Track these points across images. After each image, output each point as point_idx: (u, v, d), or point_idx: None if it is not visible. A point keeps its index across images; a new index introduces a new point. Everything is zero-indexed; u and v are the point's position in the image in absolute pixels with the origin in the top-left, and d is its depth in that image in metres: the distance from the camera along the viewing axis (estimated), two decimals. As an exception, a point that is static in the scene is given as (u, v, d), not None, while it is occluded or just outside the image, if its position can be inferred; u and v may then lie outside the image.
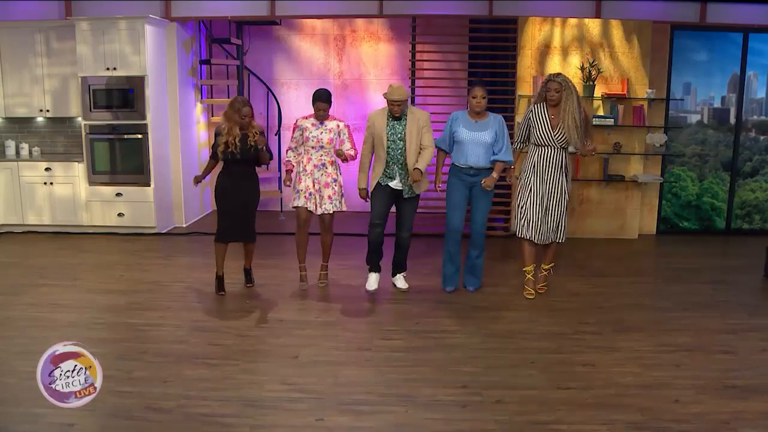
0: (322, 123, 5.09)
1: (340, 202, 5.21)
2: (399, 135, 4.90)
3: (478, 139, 4.89)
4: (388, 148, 4.89)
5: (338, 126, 5.12)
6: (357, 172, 5.17)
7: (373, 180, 5.05)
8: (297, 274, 5.44)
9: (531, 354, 4.03)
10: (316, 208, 5.14)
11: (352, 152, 5.12)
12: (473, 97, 4.89)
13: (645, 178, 7.13)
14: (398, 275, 5.30)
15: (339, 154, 5.04)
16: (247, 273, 5.34)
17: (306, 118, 5.15)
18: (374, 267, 5.23)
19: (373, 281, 5.23)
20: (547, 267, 5.21)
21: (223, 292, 5.18)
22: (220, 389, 3.52)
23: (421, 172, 4.84)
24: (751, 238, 7.31)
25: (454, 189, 5.05)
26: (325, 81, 8.49)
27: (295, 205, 5.18)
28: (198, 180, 5.15)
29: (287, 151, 5.25)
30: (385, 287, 5.30)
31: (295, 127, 5.17)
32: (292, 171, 5.19)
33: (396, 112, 4.83)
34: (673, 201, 7.50)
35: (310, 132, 5.08)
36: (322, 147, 5.08)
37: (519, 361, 3.93)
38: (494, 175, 4.95)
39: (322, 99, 5.02)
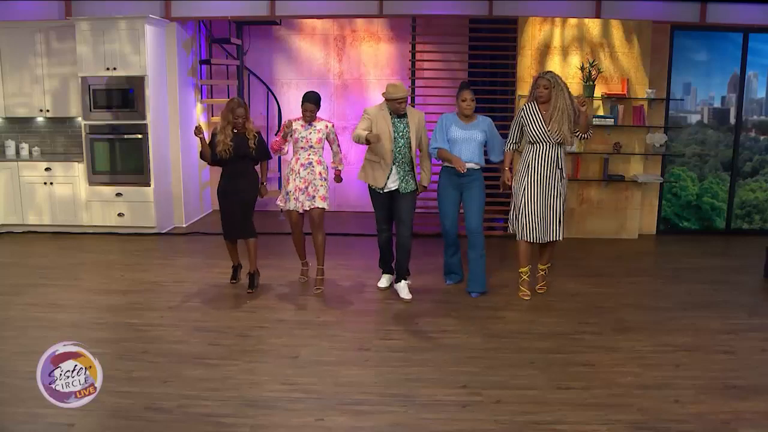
0: (310, 124, 5.14)
1: (327, 201, 5.20)
2: (401, 133, 4.92)
3: (471, 138, 4.96)
4: (393, 146, 4.91)
5: (326, 126, 5.19)
6: (354, 171, 5.17)
7: (370, 181, 5.04)
8: (296, 275, 5.53)
9: (531, 354, 4.03)
10: (302, 205, 5.14)
11: (341, 167, 5.42)
12: (463, 101, 4.96)
13: (645, 178, 7.13)
14: (402, 283, 5.13)
15: (338, 178, 5.42)
16: (251, 278, 5.21)
17: (296, 120, 5.20)
18: (386, 269, 5.32)
19: (384, 281, 5.32)
20: (543, 267, 5.21)
21: (235, 281, 5.36)
22: (220, 389, 3.52)
23: (425, 188, 5.08)
24: (751, 238, 7.31)
25: (444, 191, 5.10)
26: (325, 81, 8.50)
27: (285, 208, 5.23)
28: (199, 132, 4.98)
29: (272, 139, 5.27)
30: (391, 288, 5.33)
31: (285, 124, 5.11)
32: (279, 149, 5.16)
33: (402, 109, 4.87)
34: (673, 201, 7.50)
35: (299, 133, 5.14)
36: (311, 147, 5.13)
37: (519, 361, 3.93)
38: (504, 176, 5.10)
39: (311, 101, 5.07)
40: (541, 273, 5.22)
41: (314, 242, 5.26)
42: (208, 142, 5.11)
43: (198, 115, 8.02)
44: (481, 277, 5.12)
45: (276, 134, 5.17)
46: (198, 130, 4.97)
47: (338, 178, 5.49)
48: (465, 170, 4.85)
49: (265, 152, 5.22)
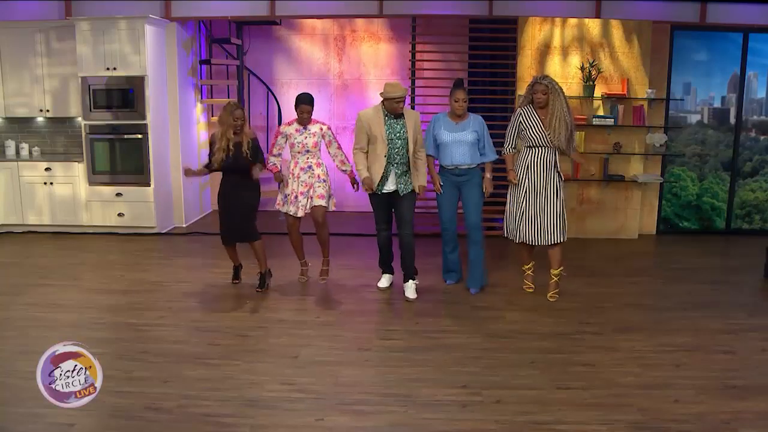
0: (305, 127, 5.14)
1: (328, 202, 5.24)
2: (398, 134, 4.89)
3: (460, 140, 4.99)
4: (388, 147, 4.89)
5: (321, 129, 5.18)
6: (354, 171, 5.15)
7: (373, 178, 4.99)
8: (296, 275, 5.53)
9: (531, 354, 4.03)
10: (304, 208, 5.16)
11: (347, 167, 5.28)
12: (455, 101, 4.98)
13: (645, 178, 7.13)
14: (409, 282, 5.11)
15: (354, 182, 5.31)
16: (262, 277, 5.22)
17: (288, 124, 5.21)
18: (387, 269, 5.32)
19: (385, 281, 5.31)
20: (556, 272, 5.04)
21: (237, 281, 5.36)
22: (220, 389, 3.52)
23: (424, 187, 5.00)
24: (751, 238, 7.31)
25: (442, 188, 5.12)
26: (325, 81, 8.50)
27: (283, 210, 5.25)
28: (190, 173, 5.11)
29: (268, 157, 5.24)
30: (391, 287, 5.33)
31: (278, 134, 5.23)
32: (279, 171, 5.23)
33: (399, 109, 4.84)
34: (673, 201, 7.50)
35: (295, 138, 5.14)
36: (308, 151, 5.15)
37: (519, 361, 3.93)
38: (488, 176, 5.10)
39: (306, 102, 5.08)
40: (554, 280, 5.05)
41: (318, 238, 5.31)
42: (208, 154, 5.13)
43: (198, 115, 8.02)
44: (480, 273, 5.18)
45: (268, 151, 5.23)
46: (188, 173, 5.09)
47: (353, 182, 5.32)
48: (441, 192, 5.07)
49: (258, 159, 5.09)
